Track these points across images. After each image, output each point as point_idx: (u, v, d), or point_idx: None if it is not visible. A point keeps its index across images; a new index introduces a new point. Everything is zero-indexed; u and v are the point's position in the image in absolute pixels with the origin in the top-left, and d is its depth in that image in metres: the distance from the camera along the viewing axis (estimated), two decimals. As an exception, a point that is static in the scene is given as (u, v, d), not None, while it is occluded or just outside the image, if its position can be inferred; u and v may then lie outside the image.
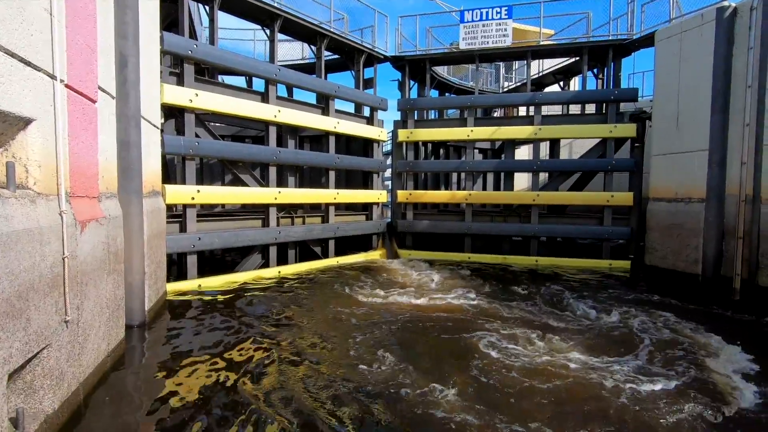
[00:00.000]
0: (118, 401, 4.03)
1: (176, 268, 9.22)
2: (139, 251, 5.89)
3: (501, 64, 19.64)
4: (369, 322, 6.69)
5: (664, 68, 10.38)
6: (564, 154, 17.10)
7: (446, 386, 4.43)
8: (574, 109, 15.51)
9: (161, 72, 7.73)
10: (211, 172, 13.71)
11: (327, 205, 11.63)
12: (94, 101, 4.26)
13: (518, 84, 19.65)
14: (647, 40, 11.40)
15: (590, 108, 13.81)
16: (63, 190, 3.52)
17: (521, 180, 18.66)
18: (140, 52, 5.86)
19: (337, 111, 11.87)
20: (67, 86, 3.63)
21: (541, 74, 16.55)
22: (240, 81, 14.28)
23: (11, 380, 2.87)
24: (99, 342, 4.30)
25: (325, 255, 11.78)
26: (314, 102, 11.87)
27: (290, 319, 6.92)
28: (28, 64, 3.03)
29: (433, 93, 16.23)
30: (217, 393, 4.28)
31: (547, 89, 17.21)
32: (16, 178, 3.02)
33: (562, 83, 16.48)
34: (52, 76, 3.38)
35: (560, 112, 15.80)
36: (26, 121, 3.10)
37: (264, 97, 10.04)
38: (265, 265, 10.19)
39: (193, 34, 11.60)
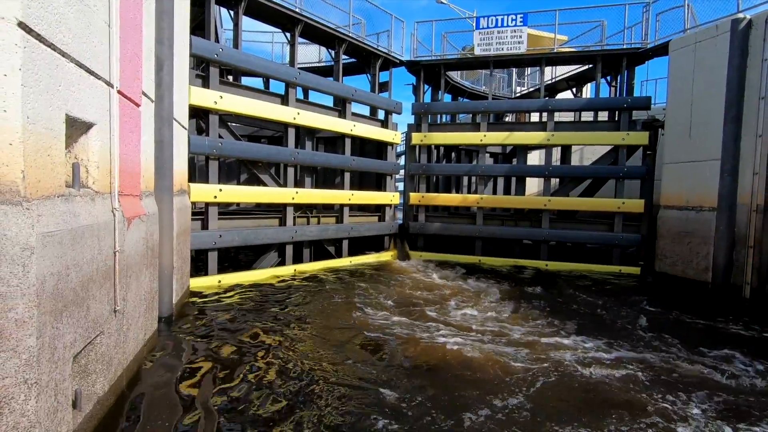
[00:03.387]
0: (155, 386, 4.30)
1: (194, 264, 9.51)
2: (169, 247, 6.17)
3: (513, 69, 19.78)
4: (382, 314, 6.94)
5: (678, 77, 10.52)
6: (575, 160, 17.21)
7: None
8: (586, 116, 15.64)
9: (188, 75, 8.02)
10: (228, 171, 14.03)
11: (342, 205, 11.89)
12: (138, 105, 4.54)
13: (531, 89, 19.78)
14: (661, 49, 11.53)
15: (602, 115, 13.95)
16: (115, 189, 3.79)
17: (531, 184, 18.80)
18: (173, 56, 6.15)
19: (353, 114, 12.12)
20: (119, 92, 3.91)
21: (554, 80, 16.69)
22: (256, 82, 14.62)
23: (74, 363, 3.13)
24: (138, 331, 4.57)
25: (339, 255, 12.03)
26: (330, 104, 12.14)
27: (305, 313, 7.25)
28: (92, 73, 3.30)
29: (446, 97, 16.43)
30: (240, 380, 4.59)
31: (560, 95, 17.35)
32: (80, 178, 3.29)
33: (574, 89, 16.61)
34: (109, 84, 3.65)
35: (572, 119, 15.95)
36: (88, 126, 3.37)
37: (284, 100, 10.32)
38: (282, 263, 10.46)
39: (216, 38, 11.92)
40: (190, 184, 8.21)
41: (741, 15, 9.18)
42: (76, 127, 3.23)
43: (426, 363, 5.24)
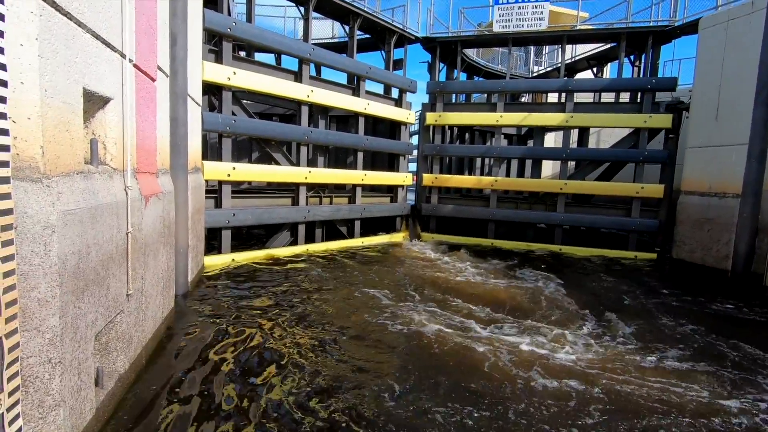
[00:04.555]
0: (173, 365, 4.32)
1: (207, 242, 9.53)
2: (184, 225, 6.14)
3: (531, 48, 19.16)
4: (396, 283, 6.92)
5: (707, 57, 10.06)
6: (591, 143, 16.79)
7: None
8: (606, 96, 15.15)
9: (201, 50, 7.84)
10: (239, 149, 13.91)
11: (354, 186, 11.76)
12: (154, 80, 4.42)
13: (548, 69, 19.20)
14: (690, 28, 11.01)
15: (624, 96, 13.49)
16: (132, 167, 3.71)
17: (545, 167, 18.45)
18: (187, 29, 5.97)
19: (367, 92, 11.85)
20: (135, 66, 3.79)
21: (574, 59, 16.14)
22: (268, 58, 14.33)
23: (96, 341, 3.12)
24: (156, 310, 4.57)
25: (351, 235, 11.99)
26: (343, 81, 11.88)
27: (318, 290, 7.29)
28: (108, 45, 3.18)
29: (462, 76, 16.00)
30: (254, 353, 4.67)
31: (579, 75, 16.80)
32: (98, 154, 3.21)
33: (595, 69, 16.06)
34: (125, 57, 3.53)
35: (590, 100, 15.47)
36: (105, 101, 3.27)
37: (297, 77, 10.10)
38: (294, 242, 10.45)
39: (229, 11, 11.63)
40: (204, 162, 8.14)
41: (780, -9, 8.67)
42: (94, 102, 3.13)
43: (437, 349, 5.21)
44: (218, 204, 8.80)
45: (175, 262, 5.70)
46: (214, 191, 9.05)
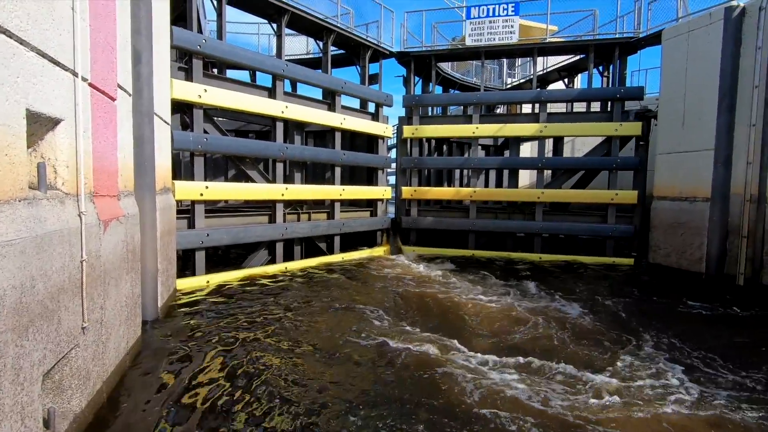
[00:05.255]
0: (138, 400, 4.05)
1: (181, 263, 9.21)
2: (152, 248, 5.89)
3: (504, 60, 19.58)
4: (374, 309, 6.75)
5: (671, 67, 10.41)
6: (566, 152, 17.13)
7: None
8: (578, 106, 15.53)
9: (170, 67, 7.67)
10: (215, 167, 13.65)
11: (333, 201, 11.62)
12: (113, 99, 4.24)
13: (521, 80, 19.62)
14: (654, 39, 11.42)
15: (595, 106, 13.83)
16: (88, 190, 3.51)
17: (522, 177, 18.69)
18: (152, 47, 5.82)
19: (343, 107, 11.82)
20: (90, 85, 3.61)
21: (545, 71, 16.54)
22: (243, 75, 14.21)
23: (45, 381, 2.88)
24: (119, 341, 4.31)
25: (331, 251, 11.80)
26: (319, 97, 11.82)
27: (295, 310, 7.02)
28: (57, 63, 3.01)
29: (437, 89, 16.19)
30: (226, 387, 4.36)
31: (551, 86, 17.20)
32: (47, 179, 3.01)
33: (566, 80, 16.47)
34: (78, 75, 3.36)
35: (563, 110, 15.83)
36: (55, 122, 3.09)
37: (271, 93, 9.99)
38: (272, 261, 10.20)
39: (199, 29, 11.50)
40: (175, 181, 7.89)
41: (734, 3, 9.06)
42: (41, 123, 2.95)
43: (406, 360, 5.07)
44: (191, 224, 8.53)
45: (142, 288, 5.43)
46: (187, 211, 8.77)
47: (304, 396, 4.25)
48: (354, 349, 5.50)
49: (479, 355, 5.37)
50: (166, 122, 7.04)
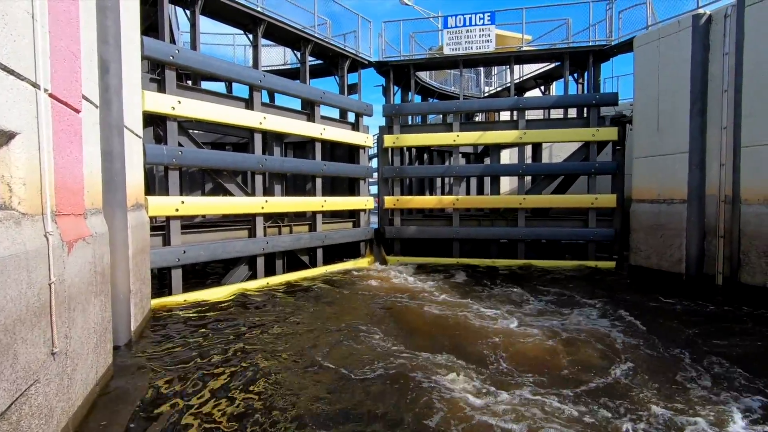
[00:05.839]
0: (110, 434, 3.73)
1: (158, 281, 8.81)
2: (124, 268, 5.55)
3: (481, 69, 19.84)
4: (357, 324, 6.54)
5: (644, 73, 10.66)
6: (545, 158, 17.38)
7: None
8: (555, 113, 15.79)
9: (141, 79, 7.38)
10: (191, 181, 13.24)
11: (314, 213, 11.39)
12: (78, 111, 3.97)
13: (498, 88, 19.90)
14: (626, 46, 11.71)
15: (572, 112, 14.08)
16: (49, 209, 3.23)
17: (503, 183, 18.87)
18: (122, 57, 5.55)
19: (322, 117, 11.66)
20: (51, 96, 3.35)
21: (522, 79, 16.80)
22: (219, 86, 13.92)
23: (1, 422, 2.58)
24: (87, 371, 3.98)
25: (314, 264, 11.53)
26: (298, 108, 11.64)
27: (275, 327, 6.77)
28: (11, 72, 2.76)
29: (417, 98, 16.24)
30: (203, 415, 4.09)
31: (528, 93, 17.49)
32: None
33: (542, 87, 16.76)
34: (36, 86, 3.10)
35: (541, 116, 16.07)
36: (9, 136, 2.82)
37: (248, 104, 9.75)
38: (253, 276, 9.86)
39: (172, 39, 11.20)
40: (148, 197, 7.55)
41: (701, 11, 9.37)
42: (-7, 138, 2.68)
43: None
44: (167, 241, 8.16)
45: (113, 311, 5.09)
46: (162, 228, 8.41)
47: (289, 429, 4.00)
48: (338, 368, 5.27)
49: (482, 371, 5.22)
50: (137, 135, 6.74)
